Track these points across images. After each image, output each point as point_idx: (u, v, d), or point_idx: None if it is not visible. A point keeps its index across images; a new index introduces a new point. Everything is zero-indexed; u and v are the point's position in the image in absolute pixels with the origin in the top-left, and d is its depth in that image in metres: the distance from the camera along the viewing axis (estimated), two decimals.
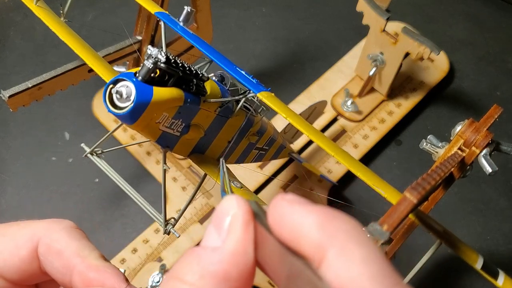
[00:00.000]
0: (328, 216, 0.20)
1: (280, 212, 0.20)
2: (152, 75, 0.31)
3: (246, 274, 0.21)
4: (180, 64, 0.33)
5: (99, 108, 0.68)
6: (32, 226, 0.28)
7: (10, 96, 0.49)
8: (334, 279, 0.18)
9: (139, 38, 0.60)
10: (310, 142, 0.65)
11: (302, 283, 0.19)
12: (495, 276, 0.36)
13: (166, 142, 0.37)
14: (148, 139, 0.38)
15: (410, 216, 0.38)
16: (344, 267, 0.18)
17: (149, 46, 0.32)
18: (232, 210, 0.21)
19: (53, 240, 0.28)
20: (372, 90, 0.70)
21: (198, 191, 0.43)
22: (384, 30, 0.62)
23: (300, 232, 0.19)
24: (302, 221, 0.20)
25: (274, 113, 0.56)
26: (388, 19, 0.61)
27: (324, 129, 0.67)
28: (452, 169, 0.40)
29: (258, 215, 0.21)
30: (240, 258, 0.20)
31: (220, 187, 0.38)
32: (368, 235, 0.20)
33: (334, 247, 0.19)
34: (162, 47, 0.40)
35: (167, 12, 0.41)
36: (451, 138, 0.42)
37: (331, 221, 0.19)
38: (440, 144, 0.44)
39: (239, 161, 0.47)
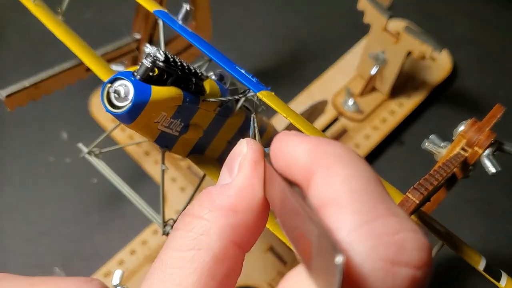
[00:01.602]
0: (318, 142, 0.20)
1: (278, 145, 0.21)
2: (150, 74, 0.31)
3: (255, 207, 0.22)
4: (179, 63, 0.32)
5: (97, 108, 0.68)
6: (61, 286, 0.28)
7: (7, 96, 0.48)
8: (317, 198, 0.18)
9: (138, 36, 0.59)
10: None
11: (290, 208, 0.19)
12: (498, 278, 0.36)
13: (164, 142, 0.37)
14: (147, 139, 0.38)
15: (412, 217, 0.37)
16: (326, 185, 0.18)
17: (148, 45, 0.32)
18: (242, 151, 0.23)
19: None
20: (374, 89, 0.69)
21: (197, 191, 0.43)
22: (385, 29, 0.61)
23: (292, 160, 0.20)
24: (295, 149, 0.20)
25: (274, 113, 0.56)
26: (390, 18, 0.60)
27: (325, 129, 0.67)
28: (455, 169, 0.40)
29: (269, 157, 0.22)
30: (248, 193, 0.22)
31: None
32: None
33: (320, 169, 0.19)
34: (160, 46, 0.40)
35: (166, 10, 0.40)
36: (454, 138, 0.42)
37: (320, 145, 0.19)
38: (442, 144, 0.43)
39: None
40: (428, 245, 0.18)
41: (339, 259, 0.15)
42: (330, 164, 0.18)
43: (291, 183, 0.20)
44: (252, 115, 0.36)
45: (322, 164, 0.19)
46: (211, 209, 0.21)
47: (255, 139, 0.37)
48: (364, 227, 0.17)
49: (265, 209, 0.22)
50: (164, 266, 0.21)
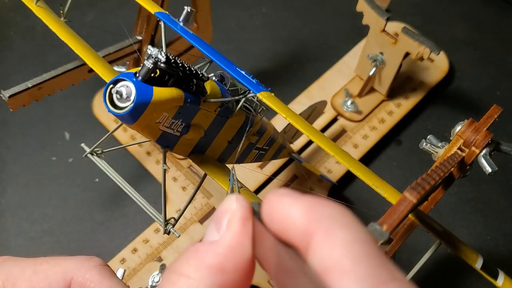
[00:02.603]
0: (313, 203, 0.20)
1: (271, 206, 0.21)
2: (152, 75, 0.31)
3: (243, 267, 0.21)
4: (180, 64, 0.33)
5: (99, 108, 0.68)
6: (63, 264, 0.29)
7: (10, 96, 0.49)
8: (318, 263, 0.18)
9: (139, 38, 0.60)
10: (310, 142, 0.65)
11: (289, 272, 0.19)
12: (495, 276, 0.36)
13: (166, 142, 0.37)
14: (148, 139, 0.38)
15: (410, 216, 0.38)
16: (327, 250, 0.18)
17: (149, 46, 0.32)
18: (231, 207, 0.22)
19: (86, 279, 0.29)
20: (372, 90, 0.70)
21: (198, 191, 0.43)
22: (384, 30, 0.62)
23: (288, 222, 0.20)
24: (289, 211, 0.20)
25: (274, 113, 0.56)
26: (388, 19, 0.61)
27: (324, 129, 0.67)
28: (452, 169, 0.40)
29: (258, 214, 0.21)
30: (237, 252, 0.21)
31: (222, 189, 0.38)
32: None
33: (319, 232, 0.19)
34: (162, 47, 0.40)
35: (167, 12, 0.41)
36: (451, 138, 0.42)
37: (316, 207, 0.20)
38: (440, 144, 0.44)
39: (239, 161, 0.47)
40: None
41: None
42: (328, 227, 0.19)
43: (286, 245, 0.20)
44: (232, 171, 0.36)
45: (320, 227, 0.19)
46: (197, 267, 0.21)
47: (234, 192, 0.38)
48: None
49: (252, 267, 0.22)
50: None
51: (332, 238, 0.18)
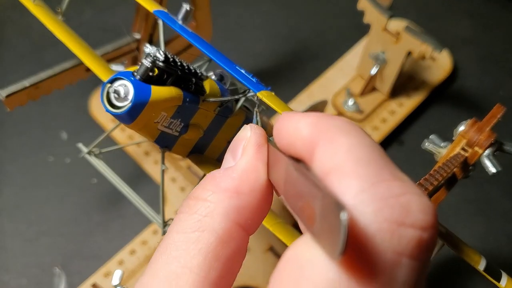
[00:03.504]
0: (320, 116, 0.20)
1: (281, 122, 0.21)
2: (150, 74, 0.31)
3: (259, 189, 0.22)
4: (178, 63, 0.32)
5: (97, 108, 0.68)
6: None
7: (7, 96, 0.48)
8: (320, 168, 0.18)
9: (137, 36, 0.59)
10: None
11: (295, 183, 0.19)
12: (498, 278, 0.36)
13: (164, 142, 0.37)
14: (147, 139, 0.37)
15: None
16: (330, 154, 0.18)
17: (147, 45, 0.32)
18: (246, 135, 0.23)
19: None
20: (374, 89, 0.69)
21: None
22: (385, 29, 0.61)
23: (295, 135, 0.20)
24: (297, 124, 0.20)
25: (274, 113, 0.56)
26: (390, 17, 0.60)
27: None
28: (455, 169, 0.40)
29: (273, 142, 0.22)
30: (251, 175, 0.22)
31: None
32: None
33: (323, 140, 0.19)
34: (160, 46, 0.40)
35: (165, 10, 0.40)
36: (454, 138, 0.42)
37: (323, 119, 0.19)
38: (442, 144, 0.43)
39: None
40: (433, 208, 0.18)
41: (343, 215, 0.15)
42: (333, 135, 0.19)
43: (295, 160, 0.20)
44: (255, 110, 0.36)
45: (325, 136, 0.19)
46: (214, 191, 0.21)
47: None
48: (369, 190, 0.17)
49: (269, 191, 0.22)
50: (169, 249, 0.21)
51: (335, 144, 0.18)
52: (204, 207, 0.21)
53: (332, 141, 0.18)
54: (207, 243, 0.20)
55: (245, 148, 0.22)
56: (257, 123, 0.35)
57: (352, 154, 0.18)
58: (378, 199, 0.17)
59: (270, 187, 0.22)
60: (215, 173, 0.22)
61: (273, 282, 0.18)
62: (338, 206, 0.15)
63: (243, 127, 0.23)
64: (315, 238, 0.17)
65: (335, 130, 0.19)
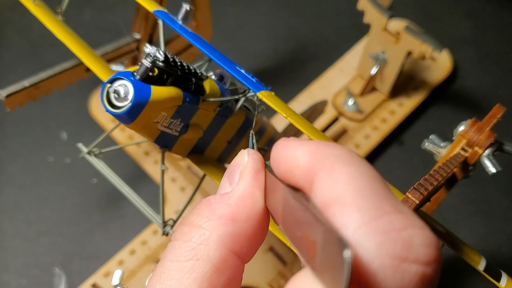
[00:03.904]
0: (319, 145, 0.19)
1: (278, 150, 0.21)
2: (150, 74, 0.31)
3: (255, 216, 0.21)
4: (178, 63, 0.32)
5: (97, 108, 0.68)
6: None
7: (7, 96, 0.48)
8: (320, 199, 0.18)
9: (137, 36, 0.59)
10: None
11: (294, 214, 0.19)
12: (498, 278, 0.36)
13: (164, 142, 0.36)
14: (146, 139, 0.37)
15: None
16: (330, 185, 0.18)
17: (147, 45, 0.32)
18: (243, 161, 0.22)
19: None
20: (374, 89, 0.69)
21: (197, 191, 0.42)
22: (385, 29, 0.61)
23: (293, 163, 0.20)
24: (295, 153, 0.20)
25: (274, 113, 0.56)
26: (390, 18, 0.60)
27: (325, 129, 0.67)
28: (455, 169, 0.40)
29: (271, 168, 0.22)
30: (248, 201, 0.21)
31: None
32: None
33: (323, 170, 0.18)
34: (160, 46, 0.40)
35: (165, 10, 0.40)
36: (454, 138, 0.42)
37: (321, 148, 0.19)
38: (442, 144, 0.43)
39: None
40: (436, 241, 0.17)
41: (346, 252, 0.14)
42: (332, 165, 0.18)
43: (293, 189, 0.20)
44: (251, 132, 0.36)
45: (324, 165, 0.18)
46: (210, 217, 0.21)
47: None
48: (371, 224, 0.16)
49: (266, 219, 0.22)
50: (163, 278, 0.20)
51: (335, 174, 0.18)
52: (198, 234, 0.21)
53: (331, 171, 0.18)
54: (202, 272, 0.20)
55: (242, 173, 0.22)
56: (252, 147, 0.35)
57: (352, 184, 0.17)
58: (380, 233, 0.16)
59: (267, 214, 0.22)
60: (211, 198, 0.22)
61: None
62: (341, 242, 0.15)
63: (240, 152, 0.23)
64: (316, 273, 0.17)
65: (334, 160, 0.18)
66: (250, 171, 0.22)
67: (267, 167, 0.22)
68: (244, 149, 0.24)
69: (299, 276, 0.18)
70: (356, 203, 0.17)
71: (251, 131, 0.35)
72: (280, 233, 0.36)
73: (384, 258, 0.16)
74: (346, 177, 0.18)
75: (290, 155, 0.20)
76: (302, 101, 0.68)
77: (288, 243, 0.34)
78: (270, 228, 0.35)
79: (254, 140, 0.35)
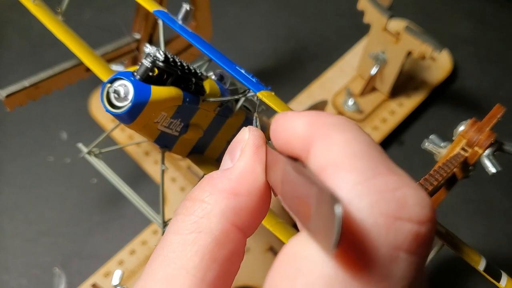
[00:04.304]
0: (316, 115, 0.20)
1: (277, 122, 0.21)
2: (150, 74, 0.31)
3: (256, 191, 0.22)
4: (178, 63, 0.32)
5: (97, 108, 0.68)
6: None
7: (7, 96, 0.48)
8: (316, 164, 0.18)
9: (137, 36, 0.59)
10: None
11: (291, 182, 0.19)
12: (498, 278, 0.36)
13: (164, 142, 0.36)
14: (146, 139, 0.37)
15: None
16: (325, 150, 0.18)
17: (147, 45, 0.32)
18: (244, 137, 0.23)
19: None
20: (374, 89, 0.69)
21: None
22: (385, 29, 0.61)
23: (291, 134, 0.20)
24: (293, 123, 0.20)
25: (275, 113, 0.56)
26: (390, 18, 0.60)
27: None
28: (455, 169, 0.40)
29: (271, 144, 0.22)
30: (249, 176, 0.22)
31: None
32: None
33: (319, 138, 0.18)
34: (160, 46, 0.40)
35: (165, 10, 0.40)
36: (454, 138, 0.42)
37: (318, 117, 0.19)
38: (442, 144, 0.43)
39: None
40: (430, 202, 0.17)
41: (337, 207, 0.14)
42: (328, 131, 0.18)
43: (292, 159, 0.20)
44: (255, 115, 0.36)
45: (320, 132, 0.19)
46: (212, 192, 0.21)
47: None
48: (365, 184, 0.16)
49: (267, 193, 0.22)
50: (166, 250, 0.21)
51: (331, 140, 0.18)
52: (201, 208, 0.21)
53: (327, 137, 0.18)
54: (203, 245, 0.20)
55: (243, 149, 0.22)
56: (256, 126, 0.35)
57: (347, 149, 0.17)
58: (373, 192, 0.16)
59: (268, 189, 0.22)
60: (213, 174, 0.22)
61: (270, 279, 0.18)
62: (332, 199, 0.15)
63: (241, 129, 0.23)
64: (310, 234, 0.17)
65: (330, 127, 0.19)
66: (251, 147, 0.22)
67: (268, 143, 0.22)
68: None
69: (294, 239, 0.18)
70: (350, 165, 0.17)
71: (255, 114, 0.35)
72: (280, 232, 0.36)
73: (378, 217, 0.16)
74: (342, 143, 0.18)
75: (289, 126, 0.20)
76: (302, 101, 0.68)
77: (286, 236, 0.34)
78: (269, 228, 0.35)
79: (258, 123, 0.35)
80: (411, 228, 0.16)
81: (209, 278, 0.20)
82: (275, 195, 0.22)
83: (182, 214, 0.21)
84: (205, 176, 0.23)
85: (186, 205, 0.22)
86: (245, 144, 0.22)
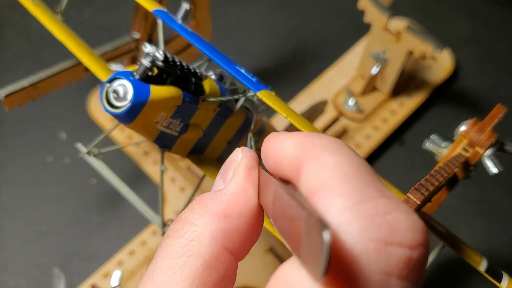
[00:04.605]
0: (306, 136, 0.19)
1: (267, 144, 0.21)
2: (149, 73, 0.31)
3: (248, 213, 0.21)
4: (178, 63, 0.32)
5: (96, 108, 0.67)
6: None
7: (6, 96, 0.48)
8: (305, 187, 0.18)
9: (137, 36, 0.59)
10: None
11: (282, 205, 0.19)
12: (499, 279, 0.36)
13: (164, 142, 0.36)
14: (146, 139, 0.37)
15: None
16: (315, 173, 0.18)
17: (147, 44, 0.32)
18: (237, 158, 0.22)
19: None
20: (375, 89, 0.69)
21: (197, 192, 0.42)
22: (386, 28, 0.61)
23: (281, 155, 0.20)
24: (283, 145, 0.20)
25: (274, 113, 0.56)
26: (390, 17, 0.60)
27: (325, 129, 0.67)
28: (456, 169, 0.40)
29: (264, 165, 0.22)
30: (241, 198, 0.21)
31: None
32: None
33: (309, 159, 0.18)
34: (160, 45, 0.40)
35: (165, 10, 0.40)
36: (455, 138, 0.42)
37: (308, 138, 0.19)
38: (443, 144, 0.43)
39: None
40: (422, 225, 0.17)
41: (325, 233, 0.14)
42: (318, 153, 0.18)
43: (284, 181, 0.20)
44: (249, 135, 0.36)
45: (311, 154, 0.18)
46: (202, 214, 0.21)
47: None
48: (354, 208, 0.16)
49: (259, 215, 0.22)
50: (155, 275, 0.20)
51: (321, 162, 0.18)
52: (191, 231, 0.21)
53: (317, 159, 0.18)
54: (193, 268, 0.20)
55: (235, 170, 0.22)
56: (251, 148, 0.35)
57: (337, 171, 0.17)
58: (363, 217, 0.16)
59: (261, 211, 0.22)
60: (204, 196, 0.22)
61: None
62: (321, 224, 0.14)
63: (234, 150, 0.23)
64: (300, 259, 0.17)
65: (320, 148, 0.18)
66: (244, 168, 0.22)
67: (261, 165, 0.22)
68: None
69: (286, 264, 0.18)
70: (340, 189, 0.17)
71: (249, 134, 0.35)
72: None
73: (368, 242, 0.16)
74: (331, 165, 0.17)
75: (279, 147, 0.20)
76: (302, 101, 0.68)
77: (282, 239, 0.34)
78: (269, 229, 0.35)
79: (252, 142, 0.35)
80: (402, 253, 0.16)
81: None
82: (267, 216, 0.22)
83: (171, 237, 0.21)
84: (196, 197, 0.22)
85: (175, 227, 0.21)
86: (237, 165, 0.22)
